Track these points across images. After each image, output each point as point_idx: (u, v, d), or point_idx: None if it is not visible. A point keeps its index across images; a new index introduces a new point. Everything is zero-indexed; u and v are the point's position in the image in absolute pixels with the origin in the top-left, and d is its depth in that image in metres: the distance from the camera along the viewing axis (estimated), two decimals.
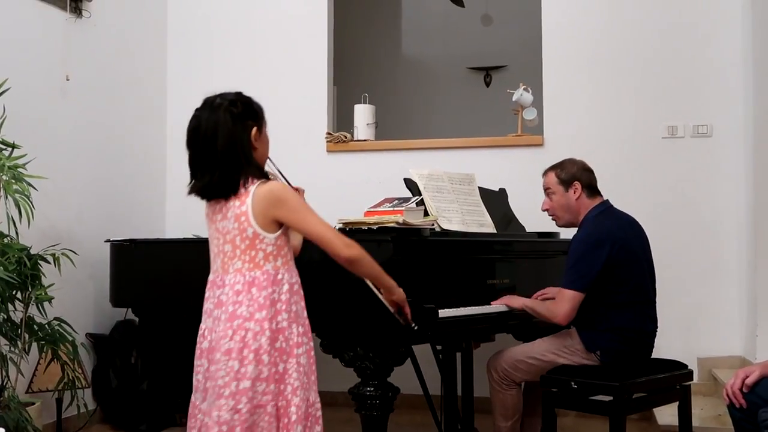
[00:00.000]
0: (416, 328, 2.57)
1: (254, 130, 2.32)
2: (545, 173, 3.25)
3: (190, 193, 2.35)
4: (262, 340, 2.21)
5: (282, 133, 4.84)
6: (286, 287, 2.30)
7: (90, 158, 4.32)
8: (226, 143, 2.26)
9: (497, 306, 3.11)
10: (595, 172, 3.24)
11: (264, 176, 2.30)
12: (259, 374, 2.21)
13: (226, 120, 2.28)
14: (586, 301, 3.01)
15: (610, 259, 2.98)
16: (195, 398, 2.34)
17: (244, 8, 5.02)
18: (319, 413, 2.36)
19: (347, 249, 2.30)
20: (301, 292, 2.38)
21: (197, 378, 2.34)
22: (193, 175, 2.34)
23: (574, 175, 3.16)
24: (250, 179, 2.25)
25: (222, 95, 2.37)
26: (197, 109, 2.37)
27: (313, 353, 2.37)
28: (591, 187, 3.18)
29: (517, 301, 3.11)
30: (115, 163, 4.54)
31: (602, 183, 3.26)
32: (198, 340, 2.34)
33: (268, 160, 2.40)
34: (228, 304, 2.24)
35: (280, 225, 2.28)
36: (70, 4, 4.14)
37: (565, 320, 2.99)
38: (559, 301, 2.99)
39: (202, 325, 2.34)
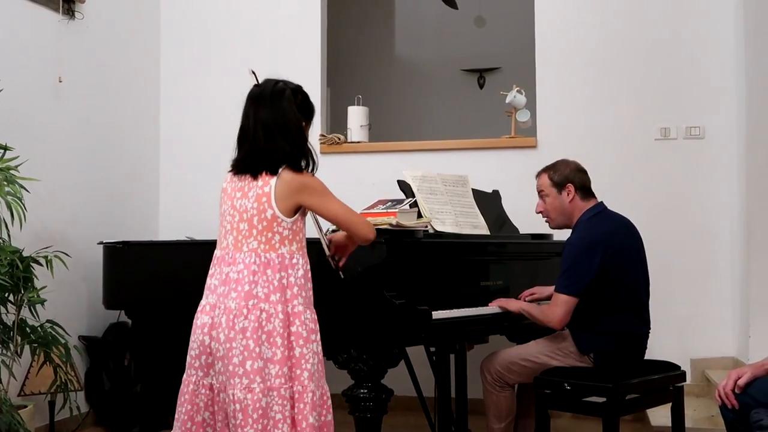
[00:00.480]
0: (342, 277, 2.60)
1: (303, 124, 2.42)
2: (538, 175, 3.25)
3: (232, 167, 2.40)
4: (275, 323, 2.26)
5: None
6: (301, 272, 2.35)
7: (83, 160, 4.31)
8: (280, 128, 2.33)
9: (490, 308, 3.12)
10: (588, 173, 3.24)
11: (298, 164, 2.35)
12: (273, 356, 2.25)
13: (289, 106, 2.37)
14: (580, 303, 3.01)
15: (604, 264, 2.98)
16: (187, 374, 2.35)
17: (237, 9, 5.02)
18: (330, 402, 2.39)
19: (372, 233, 2.45)
20: (310, 276, 2.41)
21: (192, 354, 2.35)
22: (239, 151, 2.39)
23: (567, 177, 3.15)
24: (285, 163, 2.31)
25: (285, 81, 2.44)
26: (257, 86, 2.41)
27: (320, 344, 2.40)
28: (584, 189, 3.17)
29: (513, 305, 3.11)
30: (108, 165, 4.53)
31: (595, 185, 3.26)
32: (198, 314, 2.35)
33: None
34: (242, 282, 2.28)
35: (297, 210, 2.33)
36: (62, 5, 4.13)
37: (560, 324, 3.00)
38: (554, 305, 3.00)
39: (203, 301, 2.36)
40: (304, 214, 2.40)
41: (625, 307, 3.04)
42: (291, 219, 2.32)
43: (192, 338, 2.36)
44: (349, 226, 2.41)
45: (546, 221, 3.27)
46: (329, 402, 2.38)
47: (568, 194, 3.14)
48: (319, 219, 2.50)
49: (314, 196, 2.34)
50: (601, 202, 3.21)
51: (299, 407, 2.29)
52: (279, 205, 2.29)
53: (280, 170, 2.30)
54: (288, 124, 2.35)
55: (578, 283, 2.97)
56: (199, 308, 2.37)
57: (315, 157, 2.42)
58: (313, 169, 2.40)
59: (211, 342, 2.31)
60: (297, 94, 2.41)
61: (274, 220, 2.30)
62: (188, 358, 2.37)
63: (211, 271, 2.39)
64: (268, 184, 2.29)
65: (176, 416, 2.39)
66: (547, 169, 3.22)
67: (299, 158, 2.36)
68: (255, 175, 2.32)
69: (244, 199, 2.32)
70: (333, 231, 2.56)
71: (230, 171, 2.41)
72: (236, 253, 2.31)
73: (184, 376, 2.38)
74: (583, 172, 3.21)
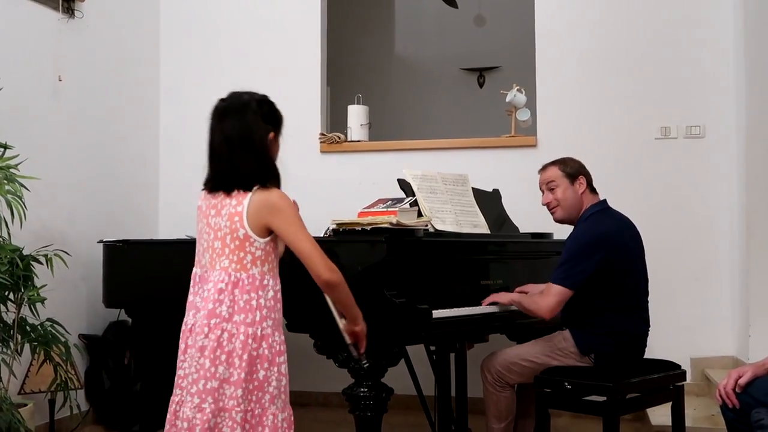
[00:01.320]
0: (366, 365, 2.55)
1: (272, 135, 2.35)
2: (545, 168, 3.21)
3: (204, 185, 2.36)
4: (236, 343, 2.21)
5: None
6: (271, 293, 2.30)
7: (83, 159, 4.30)
8: (247, 142, 2.28)
9: (491, 307, 3.11)
10: (588, 172, 3.24)
11: (266, 181, 2.29)
12: (229, 377, 2.20)
13: (254, 119, 2.31)
14: (581, 303, 3.01)
15: (605, 262, 2.97)
16: (177, 392, 2.29)
17: (237, 8, 5.02)
18: (293, 427, 2.34)
19: (329, 272, 2.28)
20: (281, 300, 2.36)
21: (180, 374, 2.30)
22: (210, 167, 2.34)
23: (579, 169, 3.15)
24: (254, 181, 2.27)
25: (249, 93, 2.39)
26: (222, 101, 2.38)
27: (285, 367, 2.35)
28: (591, 185, 3.18)
29: (504, 297, 3.10)
30: (108, 164, 4.53)
31: (595, 183, 3.26)
32: (182, 335, 2.31)
33: None
34: (208, 300, 2.24)
35: (270, 231, 2.28)
36: (62, 4, 4.13)
37: (549, 314, 2.96)
38: (546, 295, 2.97)
39: (189, 320, 2.31)
40: (276, 237, 2.33)
41: (626, 307, 3.04)
42: (264, 239, 2.27)
43: (181, 357, 2.31)
44: (307, 259, 2.27)
45: (552, 212, 3.21)
46: (293, 427, 2.34)
47: (580, 186, 3.13)
48: (330, 305, 2.42)
49: (282, 220, 2.26)
50: (605, 199, 3.21)
51: (258, 430, 2.25)
52: (251, 224, 2.24)
53: (254, 188, 2.26)
54: (253, 137, 2.29)
55: (575, 276, 2.96)
56: (186, 326, 2.30)
57: (278, 171, 2.35)
58: (278, 183, 2.33)
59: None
60: (263, 105, 2.36)
61: (246, 239, 2.25)
62: (176, 378, 2.32)
63: (193, 290, 2.34)
64: (241, 203, 2.25)
65: None
66: (556, 163, 3.19)
67: (266, 173, 2.30)
68: (228, 193, 2.27)
69: (218, 217, 2.28)
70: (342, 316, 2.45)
71: (203, 188, 2.37)
72: (210, 272, 2.28)
73: (172, 395, 2.33)
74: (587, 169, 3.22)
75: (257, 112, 2.33)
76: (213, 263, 2.28)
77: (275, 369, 2.27)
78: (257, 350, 2.23)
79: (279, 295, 2.34)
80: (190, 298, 2.34)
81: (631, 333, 3.06)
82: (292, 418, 2.35)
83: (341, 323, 2.42)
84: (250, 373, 2.22)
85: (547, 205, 3.20)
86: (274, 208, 2.25)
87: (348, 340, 2.43)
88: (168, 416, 2.33)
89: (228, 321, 2.22)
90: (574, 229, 3.14)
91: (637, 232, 3.18)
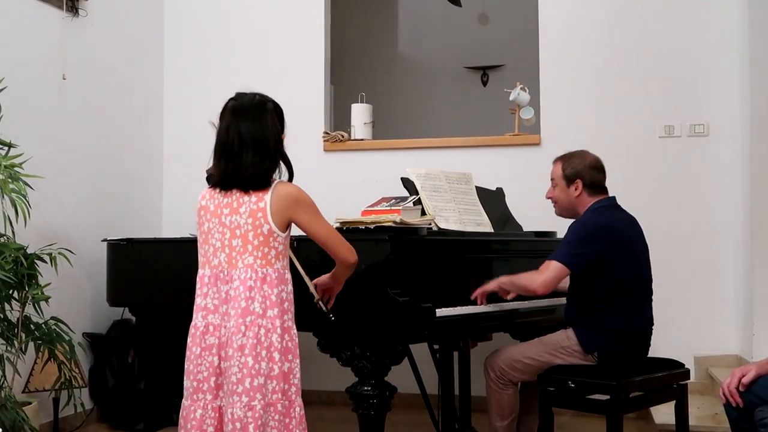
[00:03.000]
0: (332, 318, 2.61)
1: (282, 134, 2.44)
2: (554, 162, 3.21)
3: (209, 179, 2.41)
4: (273, 338, 2.26)
5: None
6: (290, 287, 2.37)
7: (87, 157, 4.31)
8: (268, 143, 2.33)
9: (494, 305, 3.11)
10: (604, 170, 3.19)
11: (290, 175, 2.40)
12: (270, 371, 2.25)
13: (273, 119, 2.38)
14: (584, 301, 3.01)
15: (605, 254, 2.97)
16: (191, 400, 2.29)
17: (240, 7, 5.02)
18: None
19: (354, 255, 2.43)
20: None
21: (199, 378, 2.29)
22: (219, 164, 2.35)
23: (578, 172, 3.12)
24: (271, 178, 2.34)
25: (260, 94, 2.45)
26: (240, 103, 2.41)
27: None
28: (594, 186, 3.13)
29: (492, 284, 3.07)
30: (112, 163, 4.53)
31: None
32: (200, 336, 2.30)
33: None
34: (239, 299, 2.26)
35: (288, 225, 2.33)
36: (66, 2, 4.13)
37: (543, 288, 2.93)
38: (542, 270, 2.96)
39: (200, 323, 2.31)
40: (290, 232, 2.40)
41: (629, 306, 3.03)
42: (284, 234, 2.33)
43: (197, 361, 2.31)
44: (332, 246, 2.40)
45: (554, 207, 3.24)
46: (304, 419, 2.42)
47: (575, 189, 3.12)
48: (299, 267, 2.54)
49: (307, 213, 2.34)
50: (613, 197, 3.18)
51: (285, 422, 2.30)
52: (275, 219, 2.28)
53: (273, 185, 2.31)
54: (272, 137, 2.35)
55: (575, 257, 2.95)
56: (198, 329, 2.32)
57: (292, 168, 2.44)
58: (291, 178, 2.42)
59: (221, 362, 2.28)
60: (276, 107, 2.43)
61: (270, 235, 2.29)
62: (193, 383, 2.31)
63: (204, 291, 2.34)
64: (263, 199, 2.28)
65: None
66: (562, 159, 3.18)
67: (288, 170, 2.40)
68: (245, 190, 2.30)
69: (234, 215, 2.29)
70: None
71: (210, 187, 2.38)
72: (232, 270, 2.28)
73: (187, 402, 2.32)
74: (598, 169, 3.16)
75: (273, 113, 2.39)
76: (234, 261, 2.28)
77: (297, 361, 2.34)
78: (286, 343, 2.30)
79: (292, 288, 2.41)
80: (199, 301, 2.34)
81: (634, 331, 3.05)
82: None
83: (311, 284, 2.55)
84: (283, 365, 2.28)
85: (550, 199, 3.24)
86: (297, 202, 2.31)
87: (317, 296, 2.56)
88: (194, 423, 2.29)
89: (263, 317, 2.26)
90: (579, 217, 3.13)
91: (641, 230, 3.17)
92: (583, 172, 3.13)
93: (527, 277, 2.99)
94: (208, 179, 2.62)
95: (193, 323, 2.35)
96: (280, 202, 2.29)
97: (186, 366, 2.34)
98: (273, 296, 2.28)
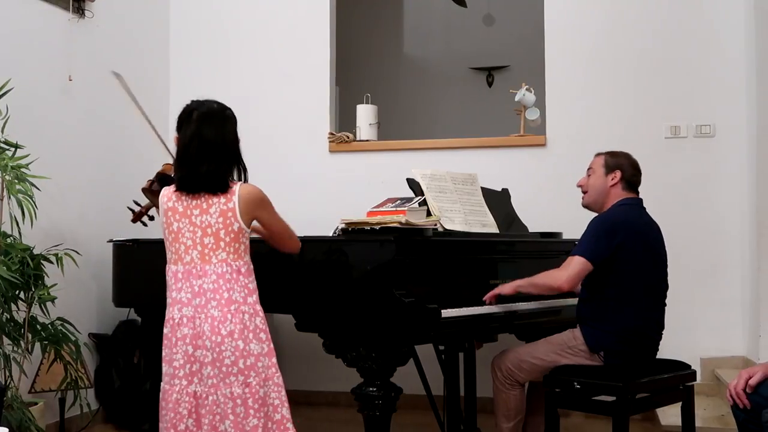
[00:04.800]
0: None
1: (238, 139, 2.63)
2: (597, 155, 3.25)
3: (166, 181, 2.67)
4: (257, 321, 2.51)
5: (284, 134, 4.91)
6: (253, 276, 2.59)
7: (93, 158, 4.32)
8: (229, 149, 2.55)
9: (500, 306, 3.10)
10: (641, 175, 3.23)
11: (245, 179, 2.60)
12: (262, 350, 2.50)
13: (233, 129, 2.59)
14: (597, 297, 3.00)
15: (623, 248, 2.97)
16: (169, 384, 2.50)
17: (246, 8, 5.03)
18: None
19: (296, 249, 2.76)
20: None
21: (175, 365, 2.49)
22: (181, 169, 2.55)
23: (619, 164, 3.17)
24: (233, 181, 2.55)
25: (216, 101, 2.63)
26: (201, 112, 2.57)
27: None
28: (630, 183, 3.17)
29: (507, 287, 3.05)
30: (118, 163, 4.54)
31: None
32: (171, 329, 2.51)
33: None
34: (220, 291, 2.47)
35: (250, 222, 2.56)
36: (72, 4, 4.15)
37: (568, 284, 2.94)
38: (565, 266, 2.96)
39: (176, 314, 2.50)
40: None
41: (638, 306, 3.01)
42: (249, 230, 2.56)
43: (173, 349, 2.51)
44: (281, 240, 2.70)
45: (582, 196, 3.23)
46: None
47: (613, 178, 3.14)
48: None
49: (268, 211, 2.60)
50: (641, 199, 3.21)
51: (282, 394, 2.57)
52: (243, 218, 2.50)
53: (237, 186, 2.52)
54: (234, 142, 2.57)
55: (597, 251, 2.95)
56: (174, 321, 2.52)
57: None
58: (246, 179, 2.62)
59: (195, 351, 2.47)
60: (232, 113, 2.62)
61: (240, 232, 2.51)
62: (169, 369, 2.52)
63: (177, 286, 2.53)
64: (231, 200, 2.49)
65: (160, 425, 2.54)
66: (607, 153, 3.23)
67: (244, 173, 2.60)
68: (214, 192, 2.49)
69: (205, 215, 2.49)
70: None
71: (176, 190, 2.54)
72: (205, 266, 2.49)
73: (166, 386, 2.53)
74: (637, 169, 3.21)
75: (233, 119, 2.59)
76: (207, 258, 2.49)
77: (271, 345, 2.57)
78: (265, 325, 2.55)
79: None
80: (174, 294, 2.53)
81: (642, 333, 3.04)
82: None
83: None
84: (272, 343, 2.55)
85: (580, 187, 3.24)
86: (262, 202, 2.56)
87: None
88: (170, 405, 2.50)
89: (244, 303, 2.49)
90: (602, 212, 3.13)
91: (661, 236, 3.18)
92: (625, 166, 3.17)
93: (550, 275, 2.99)
94: (163, 180, 2.92)
95: (169, 315, 2.54)
96: (248, 203, 2.51)
97: (164, 352, 2.55)
98: (250, 285, 2.53)
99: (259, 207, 2.55)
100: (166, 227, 2.56)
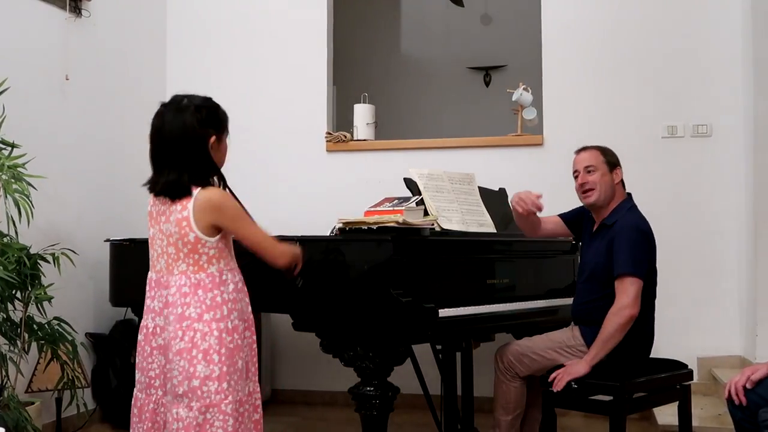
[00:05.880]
0: (300, 284, 2.69)
1: (213, 138, 2.35)
2: (585, 149, 3.16)
3: (145, 185, 2.42)
4: (210, 341, 2.30)
5: (281, 133, 4.91)
6: (231, 287, 2.39)
7: (90, 158, 4.31)
8: (184, 146, 2.31)
9: (497, 306, 3.11)
10: None
11: (208, 183, 2.34)
12: (211, 373, 2.29)
13: (192, 123, 2.31)
14: (596, 300, 3.00)
15: (653, 258, 2.99)
16: (145, 393, 2.44)
17: (243, 8, 5.02)
18: (260, 401, 2.49)
19: (283, 259, 2.47)
20: (245, 289, 2.46)
21: (151, 374, 2.42)
22: (153, 171, 2.41)
23: (617, 161, 3.15)
24: (195, 185, 2.30)
25: (190, 97, 2.38)
26: (163, 105, 2.39)
27: (255, 346, 2.49)
28: (622, 180, 3.18)
29: (581, 368, 2.87)
30: (115, 163, 4.54)
31: None
32: (145, 337, 2.43)
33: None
34: (176, 305, 2.32)
35: (219, 229, 2.35)
36: (69, 3, 4.14)
37: (636, 308, 2.87)
38: (623, 293, 2.87)
39: (150, 323, 2.42)
40: (227, 233, 2.40)
41: (644, 314, 3.01)
42: (214, 238, 2.33)
43: (148, 359, 2.43)
44: (260, 252, 2.41)
45: (586, 195, 3.10)
46: (259, 401, 2.49)
47: (616, 176, 3.12)
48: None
49: (231, 219, 2.33)
50: (631, 196, 3.19)
51: (254, 417, 2.41)
52: (199, 226, 2.29)
53: (195, 191, 2.29)
54: (192, 141, 2.31)
55: (642, 267, 2.91)
56: (148, 329, 2.43)
57: (221, 172, 2.41)
58: (223, 184, 2.39)
59: (166, 363, 2.37)
60: (200, 110, 2.35)
61: (197, 242, 2.30)
62: (144, 378, 2.44)
63: (150, 294, 2.43)
64: (186, 208, 2.29)
65: None
66: (596, 147, 3.16)
67: (205, 176, 2.33)
68: (173, 198, 2.31)
69: (167, 223, 2.34)
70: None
71: (150, 192, 2.42)
72: (169, 277, 2.35)
73: (141, 395, 2.46)
74: None
75: (195, 116, 2.32)
76: (170, 268, 2.34)
77: (252, 355, 2.41)
78: (233, 342, 2.33)
79: (240, 285, 2.43)
80: (147, 302, 2.44)
81: (641, 331, 3.04)
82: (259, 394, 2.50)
83: None
84: (231, 365, 2.31)
85: (583, 185, 3.11)
86: (217, 208, 2.29)
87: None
88: (147, 414, 2.44)
89: (199, 321, 2.30)
90: (621, 220, 3.02)
91: None
92: (620, 163, 3.15)
93: (616, 317, 2.86)
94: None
95: (143, 323, 2.45)
96: (202, 210, 2.28)
97: (138, 360, 2.47)
98: (208, 300, 2.31)
99: (214, 214, 2.29)
100: (148, 232, 2.46)
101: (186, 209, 2.28)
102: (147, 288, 2.44)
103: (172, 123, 2.32)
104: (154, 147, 2.36)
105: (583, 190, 3.13)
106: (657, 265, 3.14)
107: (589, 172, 3.11)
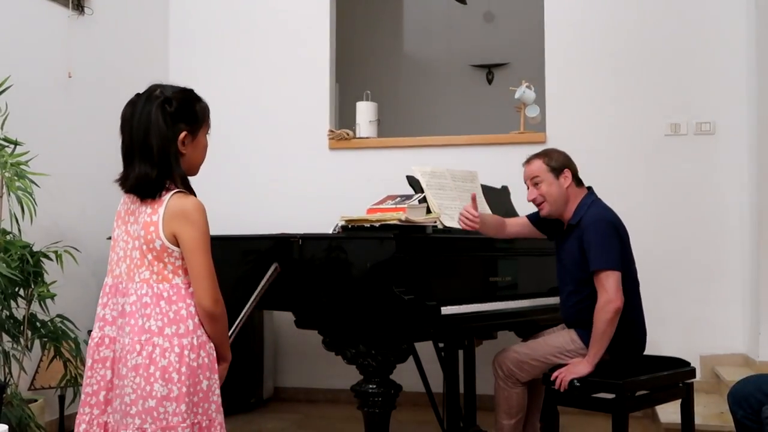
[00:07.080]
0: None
1: (184, 134, 2.09)
2: (529, 161, 3.12)
3: (116, 181, 2.15)
4: (171, 357, 2.03)
5: (284, 131, 4.91)
6: (186, 303, 2.10)
7: (92, 155, 4.31)
8: (151, 141, 2.06)
9: (499, 303, 3.10)
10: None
11: (185, 186, 2.10)
12: (169, 393, 2.02)
13: (157, 116, 2.08)
14: (587, 300, 2.99)
15: (623, 249, 2.95)
16: (86, 411, 2.13)
17: (246, 5, 5.02)
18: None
19: (214, 304, 2.07)
20: None
21: (88, 390, 2.14)
22: (123, 165, 2.14)
23: (564, 163, 3.07)
24: (167, 186, 2.06)
25: (164, 87, 2.16)
26: (137, 95, 2.18)
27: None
28: (577, 178, 3.10)
29: (582, 369, 2.88)
30: (118, 160, 4.46)
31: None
32: (94, 348, 2.15)
33: None
34: (134, 315, 2.07)
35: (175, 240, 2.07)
36: (72, 1, 4.14)
37: (620, 300, 2.84)
38: (602, 288, 2.86)
39: (97, 333, 2.16)
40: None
41: (632, 303, 3.00)
42: (177, 248, 2.06)
43: (88, 372, 2.15)
44: (197, 282, 2.05)
45: (539, 208, 3.11)
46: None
47: (565, 179, 3.05)
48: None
49: (189, 232, 2.03)
50: (591, 187, 3.13)
51: None
52: (167, 234, 2.04)
53: (170, 194, 2.05)
54: (156, 139, 2.05)
55: (615, 254, 2.89)
56: (96, 341, 2.15)
57: (186, 177, 2.12)
58: (189, 188, 2.12)
59: (114, 377, 2.11)
60: (171, 102, 2.10)
61: (164, 250, 2.04)
62: (82, 395, 2.15)
63: (104, 301, 2.18)
64: (156, 212, 2.04)
65: None
66: (539, 156, 3.10)
67: (181, 177, 2.09)
68: (142, 198, 2.07)
69: (135, 224, 2.09)
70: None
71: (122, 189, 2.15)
72: (129, 284, 2.09)
73: (78, 409, 2.17)
74: (573, 161, 3.12)
75: (164, 110, 2.08)
76: (131, 275, 2.09)
77: (215, 376, 2.11)
78: (196, 360, 2.06)
79: None
80: (98, 310, 2.19)
81: (636, 327, 3.04)
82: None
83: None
84: (192, 385, 2.05)
85: (533, 201, 3.11)
86: (186, 217, 2.03)
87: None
88: (80, 421, 2.14)
89: (159, 335, 2.04)
90: (586, 216, 3.01)
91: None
92: (568, 162, 3.08)
93: (602, 313, 2.85)
94: None
95: (91, 334, 2.19)
96: (171, 215, 2.03)
97: (84, 374, 2.20)
98: (171, 313, 2.05)
99: (178, 219, 2.02)
100: (113, 233, 2.20)
101: (156, 213, 2.04)
102: (101, 294, 2.19)
103: (140, 114, 2.09)
104: (123, 139, 2.11)
105: (535, 204, 3.12)
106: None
107: (536, 184, 3.08)
